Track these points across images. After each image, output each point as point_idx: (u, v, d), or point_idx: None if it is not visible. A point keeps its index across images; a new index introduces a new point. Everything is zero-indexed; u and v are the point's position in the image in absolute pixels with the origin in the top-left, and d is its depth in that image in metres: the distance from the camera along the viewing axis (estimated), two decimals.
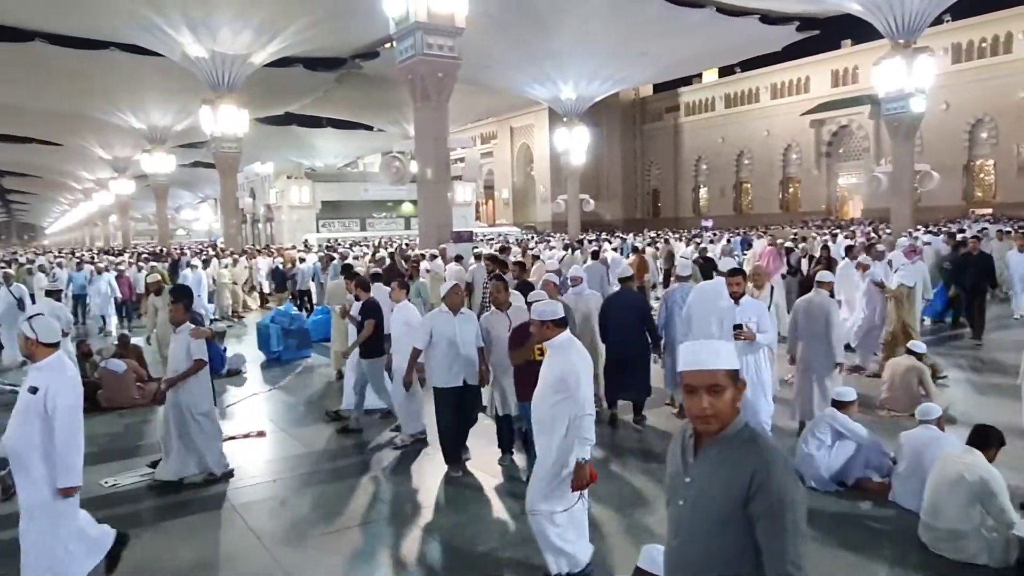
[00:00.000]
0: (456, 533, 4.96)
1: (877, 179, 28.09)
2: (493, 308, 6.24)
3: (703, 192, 59.85)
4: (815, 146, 50.18)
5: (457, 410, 5.98)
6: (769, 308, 6.81)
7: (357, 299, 7.46)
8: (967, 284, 10.95)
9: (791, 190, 53.45)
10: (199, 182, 61.22)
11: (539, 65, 32.41)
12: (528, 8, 26.93)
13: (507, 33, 27.57)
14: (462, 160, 42.11)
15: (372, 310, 7.17)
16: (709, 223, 43.50)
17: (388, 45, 28.83)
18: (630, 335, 6.98)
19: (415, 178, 21.35)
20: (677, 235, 28.80)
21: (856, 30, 32.28)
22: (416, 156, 20.11)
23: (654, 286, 15.03)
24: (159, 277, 10.39)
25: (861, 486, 5.33)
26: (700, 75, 54.75)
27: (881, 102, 25.10)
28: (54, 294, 8.91)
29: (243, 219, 42.17)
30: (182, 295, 6.15)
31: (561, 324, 4.13)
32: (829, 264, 11.03)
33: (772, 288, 7.69)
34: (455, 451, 6.06)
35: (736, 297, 5.75)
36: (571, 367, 3.93)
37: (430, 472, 6.20)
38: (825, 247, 11.89)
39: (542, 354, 4.35)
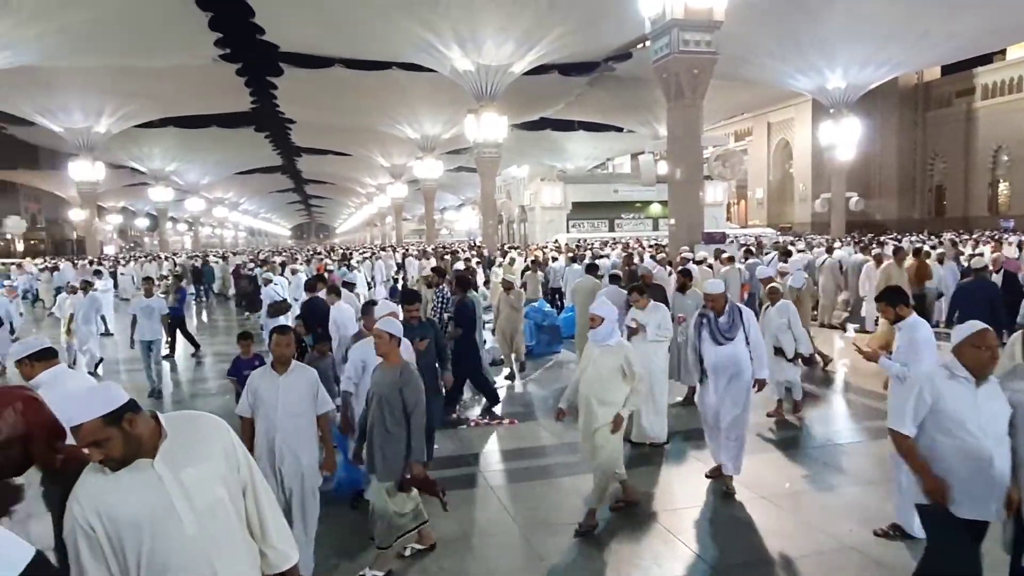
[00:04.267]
0: None
1: None
2: None
3: (1003, 187, 51.33)
4: None
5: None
6: None
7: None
8: None
9: None
10: (461, 186, 66.31)
11: (803, 54, 30.14)
12: None
13: (768, 23, 26.04)
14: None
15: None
16: (1010, 223, 37.30)
17: (641, 45, 28.85)
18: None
19: (663, 178, 21.04)
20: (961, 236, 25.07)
21: None
22: (668, 156, 19.78)
23: (939, 296, 12.89)
24: (429, 272, 11.42)
25: None
26: (1003, 51, 46.93)
27: None
28: (349, 286, 10.26)
29: (499, 220, 44.82)
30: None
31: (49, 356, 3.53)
32: None
33: None
34: None
35: (894, 318, 4.73)
36: None
37: None
38: None
39: None
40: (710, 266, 13.00)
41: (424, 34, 26.84)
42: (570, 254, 20.34)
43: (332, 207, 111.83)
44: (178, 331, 13.29)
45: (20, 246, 70.61)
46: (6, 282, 19.54)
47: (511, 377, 10.23)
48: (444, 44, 27.48)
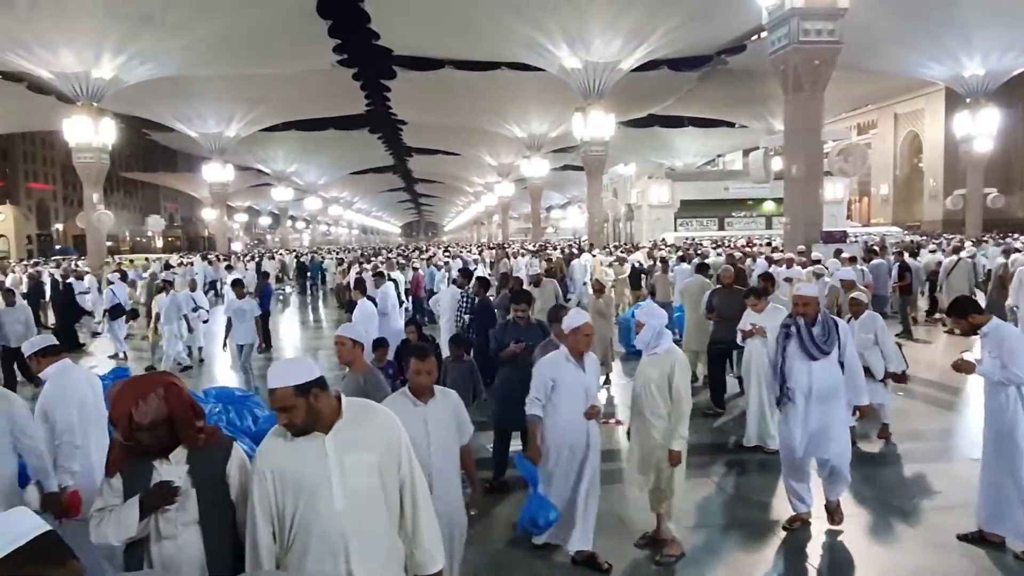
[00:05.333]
0: None
1: None
2: None
3: None
4: None
5: None
6: None
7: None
8: None
9: None
10: (567, 184, 66.33)
11: (937, 40, 28.06)
12: None
13: (897, 8, 24.44)
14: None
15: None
16: None
17: (756, 37, 27.81)
18: None
19: (779, 175, 20.22)
20: None
21: None
22: (785, 151, 19.00)
23: None
24: (538, 271, 11.43)
25: None
26: None
27: None
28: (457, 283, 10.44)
29: (605, 218, 44.44)
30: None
31: None
32: None
33: None
34: None
35: (969, 329, 4.59)
36: None
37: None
38: None
39: None
40: (826, 267, 12.19)
41: (533, 33, 27.00)
42: (679, 253, 19.87)
43: (441, 205, 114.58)
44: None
45: (159, 243, 76.64)
46: (144, 275, 21.19)
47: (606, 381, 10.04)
48: (553, 43, 27.56)
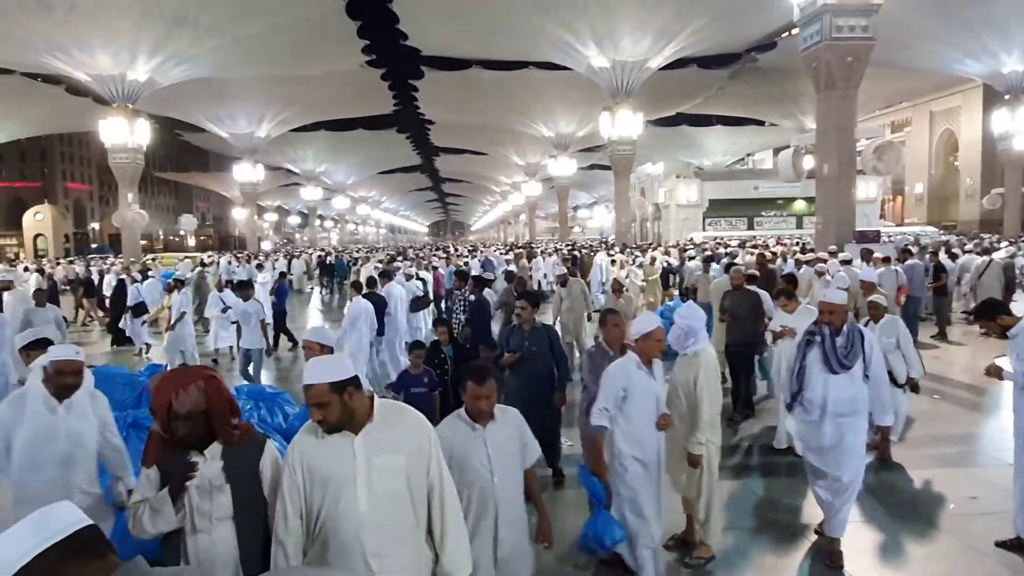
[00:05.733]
0: None
1: None
2: None
3: None
4: None
5: None
6: None
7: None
8: None
9: None
10: (594, 183, 66.05)
11: (974, 35, 27.41)
12: None
13: (932, 3, 23.94)
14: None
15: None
16: None
17: (787, 34, 27.46)
18: None
19: (811, 173, 19.97)
20: None
21: None
22: (816, 150, 18.74)
23: None
24: (564, 270, 11.41)
25: None
26: None
27: None
28: (483, 281, 10.46)
29: (633, 218, 44.18)
30: None
31: None
32: None
33: None
34: None
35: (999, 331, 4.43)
36: None
37: None
38: None
39: None
40: (826, 267, 11.91)
41: (561, 33, 26.95)
42: (706, 254, 19.66)
43: (467, 205, 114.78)
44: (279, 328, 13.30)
45: (192, 241, 77.90)
46: (175, 274, 21.49)
47: None
48: (581, 42, 27.48)
